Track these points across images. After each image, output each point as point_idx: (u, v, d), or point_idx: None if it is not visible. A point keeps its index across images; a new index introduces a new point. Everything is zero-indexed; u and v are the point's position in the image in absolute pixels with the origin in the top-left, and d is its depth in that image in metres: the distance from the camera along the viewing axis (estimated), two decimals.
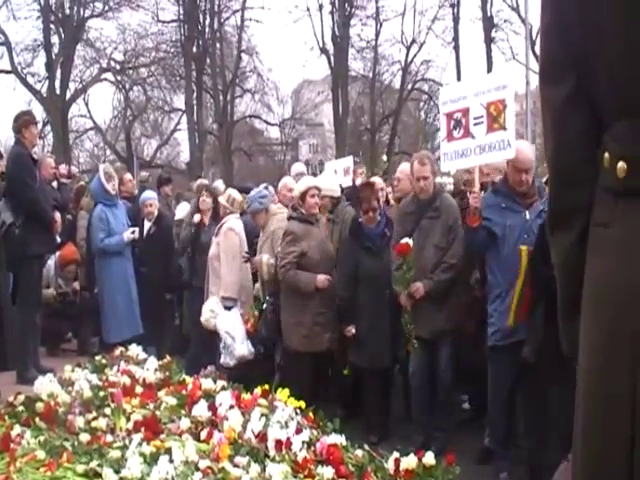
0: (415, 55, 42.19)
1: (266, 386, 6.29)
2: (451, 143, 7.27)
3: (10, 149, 9.45)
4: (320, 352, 8.19)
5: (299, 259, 8.12)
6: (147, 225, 11.10)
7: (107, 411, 5.58)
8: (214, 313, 8.96)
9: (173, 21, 41.69)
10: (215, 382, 6.42)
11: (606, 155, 1.83)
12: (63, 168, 12.07)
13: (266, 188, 11.49)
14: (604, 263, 1.83)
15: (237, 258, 9.26)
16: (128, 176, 13.30)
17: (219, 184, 12.78)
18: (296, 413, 5.65)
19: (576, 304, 1.93)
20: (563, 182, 2.01)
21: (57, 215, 9.27)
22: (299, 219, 8.37)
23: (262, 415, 5.25)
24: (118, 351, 7.78)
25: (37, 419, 5.43)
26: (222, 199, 9.84)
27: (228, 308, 8.98)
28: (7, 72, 40.13)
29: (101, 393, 6.01)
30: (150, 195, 11.43)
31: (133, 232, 10.43)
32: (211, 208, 10.34)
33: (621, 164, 1.77)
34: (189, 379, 6.64)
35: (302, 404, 6.05)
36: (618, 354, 1.75)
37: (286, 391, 6.17)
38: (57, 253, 10.54)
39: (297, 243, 8.18)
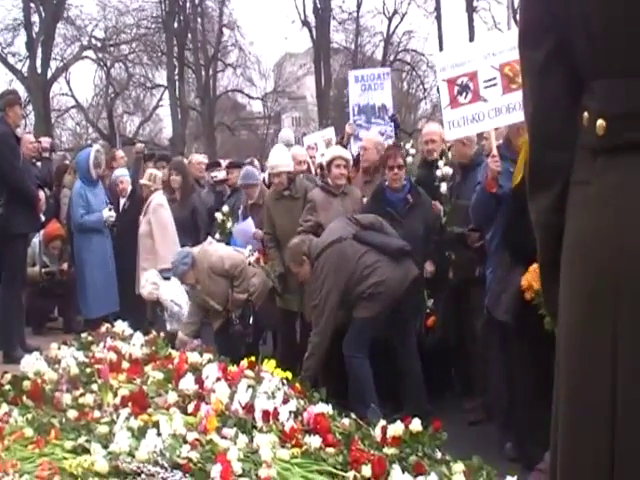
0: (397, 26, 42.11)
1: (252, 358, 6.32)
2: (458, 109, 7.12)
3: None
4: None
5: (315, 229, 7.91)
6: (122, 201, 11.05)
7: (94, 387, 5.61)
8: (156, 285, 9.23)
9: None
10: (201, 355, 6.45)
11: (585, 114, 1.84)
12: (45, 141, 11.96)
13: (251, 163, 11.57)
14: (584, 220, 1.85)
15: (170, 231, 9.76)
16: (120, 153, 13.26)
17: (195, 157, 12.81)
18: (283, 384, 5.68)
19: (557, 265, 1.94)
20: (543, 144, 2.02)
21: (41, 194, 9.19)
22: (322, 188, 8.26)
23: (249, 387, 5.28)
24: (104, 328, 7.79)
25: (24, 397, 5.45)
26: (144, 179, 10.23)
27: (167, 279, 9.25)
28: None
29: (88, 370, 6.04)
30: (122, 172, 11.33)
31: (110, 209, 10.42)
32: (180, 185, 10.35)
33: (600, 122, 1.78)
34: (175, 353, 6.66)
35: (289, 374, 6.09)
36: (600, 308, 1.76)
37: (272, 362, 6.20)
38: (41, 231, 10.50)
39: (315, 212, 8.05)
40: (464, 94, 7.05)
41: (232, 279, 8.50)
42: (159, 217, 9.81)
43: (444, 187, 8.03)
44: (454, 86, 7.11)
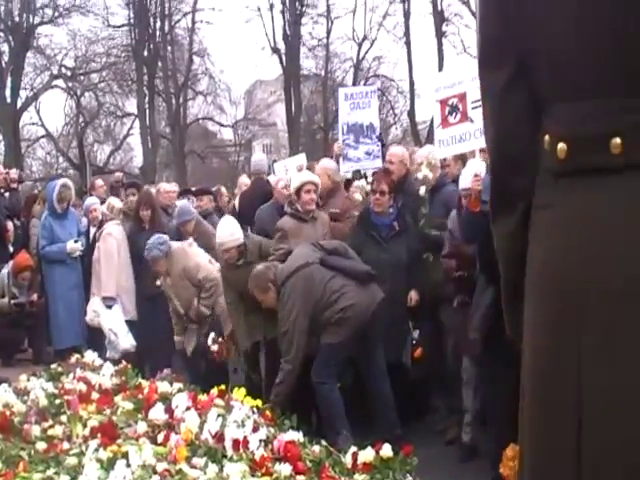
0: (367, 52, 42.23)
1: (222, 387, 6.31)
2: (447, 129, 7.29)
3: None
4: None
5: (286, 257, 7.78)
6: (92, 230, 11.03)
7: (63, 418, 5.57)
8: (97, 313, 9.57)
9: (123, 25, 41.30)
10: (171, 385, 6.43)
11: (546, 137, 1.84)
12: (14, 172, 11.97)
13: (218, 191, 11.62)
14: (545, 244, 1.85)
15: (115, 260, 9.88)
16: (99, 182, 13.31)
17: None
18: (253, 412, 5.67)
19: (518, 288, 1.95)
20: (504, 166, 2.02)
21: (9, 224, 9.15)
22: (292, 215, 8.18)
23: (219, 415, 5.25)
24: (74, 358, 7.75)
25: None
26: (103, 207, 10.53)
27: (109, 307, 9.59)
28: None
29: (57, 401, 6.00)
30: (93, 201, 11.39)
31: (76, 241, 10.40)
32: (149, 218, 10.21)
33: (561, 145, 1.79)
34: (145, 383, 6.64)
35: (259, 403, 6.08)
36: (563, 333, 1.78)
37: (242, 390, 6.19)
38: (10, 262, 10.45)
39: (285, 240, 7.99)
40: (454, 114, 7.23)
41: (201, 289, 8.53)
42: (106, 246, 9.98)
43: (422, 190, 8.11)
44: (446, 106, 7.29)
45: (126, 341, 9.51)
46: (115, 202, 10.73)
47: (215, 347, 8.22)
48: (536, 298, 1.89)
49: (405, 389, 7.60)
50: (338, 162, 10.20)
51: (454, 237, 7.15)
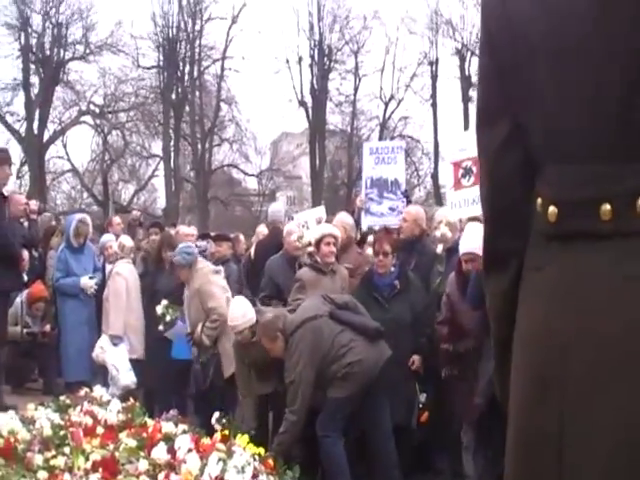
0: (393, 111, 42.51)
1: (226, 432, 6.34)
2: (459, 191, 7.29)
3: None
4: None
5: None
6: (108, 267, 11.08)
7: (66, 450, 5.59)
8: (103, 349, 9.75)
9: (153, 67, 41.90)
10: (176, 426, 6.46)
11: (539, 200, 1.87)
12: (33, 204, 12.05)
13: (236, 238, 11.76)
14: (533, 306, 1.87)
15: (123, 299, 10.04)
16: (116, 219, 13.40)
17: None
18: (254, 459, 5.69)
19: (508, 348, 1.96)
20: (497, 225, 2.05)
21: (25, 253, 9.22)
22: (311, 267, 8.26)
23: (220, 460, 5.29)
24: (83, 392, 7.79)
25: None
26: (114, 245, 10.64)
27: (116, 345, 9.82)
28: None
29: (62, 432, 6.02)
30: (109, 238, 11.46)
31: (91, 278, 10.51)
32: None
33: (552, 208, 1.81)
34: (151, 422, 6.67)
35: (261, 450, 6.10)
36: (546, 397, 1.79)
37: (245, 437, 6.22)
38: (25, 290, 10.53)
39: (303, 291, 8.04)
40: (467, 177, 7.23)
41: (207, 317, 8.66)
42: (115, 285, 10.17)
43: (439, 248, 8.14)
44: (459, 169, 7.29)
45: (127, 377, 9.69)
46: (126, 241, 10.93)
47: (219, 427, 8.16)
48: (520, 360, 1.90)
49: (410, 450, 7.59)
50: (360, 216, 10.24)
51: (451, 302, 7.19)
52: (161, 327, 9.85)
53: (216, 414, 7.94)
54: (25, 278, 9.90)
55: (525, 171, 1.94)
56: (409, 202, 10.74)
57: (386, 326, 7.45)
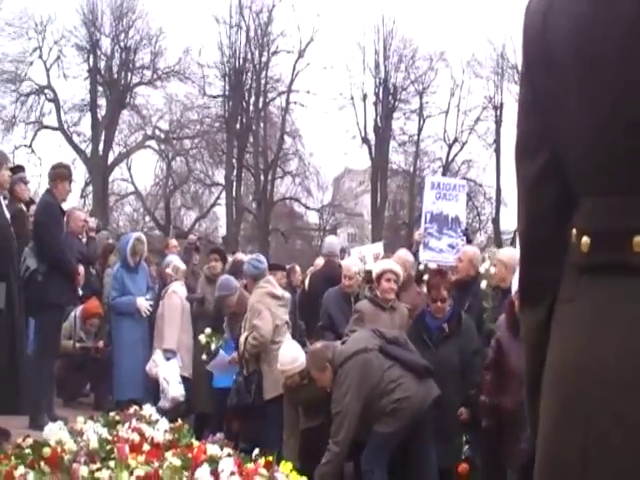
0: (456, 154, 42.61)
1: (270, 457, 6.33)
2: None
3: (40, 197, 9.59)
4: None
5: None
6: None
7: (111, 464, 5.64)
8: (156, 363, 10.06)
9: (219, 96, 42.49)
10: (222, 449, 6.47)
11: (574, 231, 1.85)
12: (92, 221, 12.24)
13: (292, 269, 11.89)
14: (563, 339, 1.85)
15: (178, 316, 10.38)
16: (173, 241, 13.58)
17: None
18: None
19: (540, 382, 1.94)
20: (532, 257, 2.03)
21: (80, 268, 9.33)
22: (371, 300, 8.27)
23: None
24: (132, 409, 7.84)
25: (42, 463, 5.50)
26: (168, 269, 11.02)
27: (168, 359, 10.09)
28: (54, 129, 41.26)
29: (108, 447, 6.07)
30: (171, 259, 11.65)
31: (147, 299, 10.69)
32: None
33: (585, 239, 1.79)
34: (196, 443, 6.69)
35: (305, 479, 6.09)
36: (571, 431, 1.77)
37: (289, 464, 6.21)
38: (81, 306, 10.66)
39: (361, 323, 8.03)
40: None
41: (251, 332, 8.72)
42: (171, 302, 10.48)
43: (483, 284, 8.08)
44: None
45: (176, 390, 9.92)
46: (179, 264, 11.22)
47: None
48: (550, 392, 1.88)
49: None
50: (418, 250, 10.20)
51: (499, 344, 6.93)
52: (204, 357, 10.10)
53: None
54: (80, 293, 10.00)
55: (562, 203, 1.93)
56: (469, 241, 10.66)
57: (433, 369, 7.40)
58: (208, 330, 10.19)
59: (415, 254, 9.98)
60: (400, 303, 8.42)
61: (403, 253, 9.49)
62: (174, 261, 11.32)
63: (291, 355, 8.00)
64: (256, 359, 8.89)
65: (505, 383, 6.70)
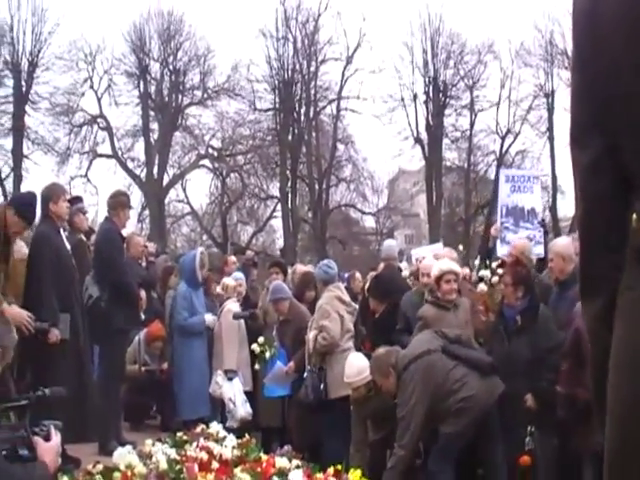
0: (510, 145, 42.17)
1: (339, 466, 6.30)
2: None
3: (100, 224, 9.69)
4: None
5: None
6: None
7: None
8: (219, 385, 10.18)
9: (269, 110, 42.68)
10: (290, 461, 6.45)
11: (634, 216, 1.81)
12: (152, 246, 12.34)
13: (352, 276, 11.95)
14: (624, 328, 1.81)
15: (235, 335, 10.46)
16: (232, 258, 13.57)
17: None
18: None
19: (605, 370, 1.90)
20: (591, 247, 1.98)
21: (142, 293, 9.37)
22: (433, 303, 8.20)
23: None
24: (199, 428, 7.85)
25: None
26: (218, 288, 11.32)
27: (230, 379, 10.18)
28: (108, 156, 41.88)
29: (177, 467, 6.08)
30: (238, 276, 11.69)
31: (213, 315, 10.72)
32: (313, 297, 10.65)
33: None
34: (265, 457, 6.67)
35: None
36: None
37: (358, 472, 6.17)
38: (144, 329, 10.72)
39: (427, 328, 7.91)
40: None
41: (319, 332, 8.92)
42: (226, 322, 10.52)
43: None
44: None
45: (243, 410, 10.02)
46: (229, 282, 11.28)
47: None
48: (615, 380, 1.85)
49: None
50: (495, 245, 10.07)
51: (578, 335, 6.52)
52: (257, 366, 10.27)
53: None
54: (142, 317, 10.05)
55: (619, 189, 1.88)
56: (546, 232, 10.52)
57: (503, 363, 7.32)
58: (261, 339, 10.27)
59: (492, 249, 9.84)
60: (461, 298, 8.33)
61: (448, 252, 9.46)
62: (224, 280, 11.47)
63: (357, 367, 8.00)
64: (322, 357, 9.11)
65: (582, 373, 6.55)
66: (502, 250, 9.87)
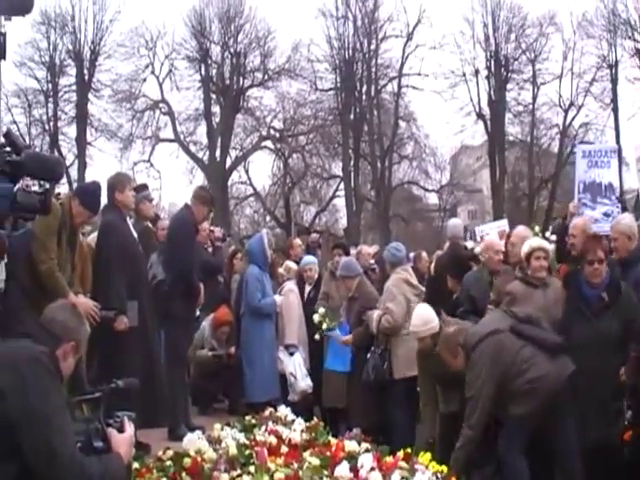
0: (573, 118, 41.60)
1: (409, 449, 6.30)
2: None
3: (178, 211, 9.73)
4: None
5: None
6: (307, 289, 11.42)
7: (251, 469, 5.68)
8: (281, 360, 10.41)
9: (330, 89, 42.75)
10: (359, 444, 6.46)
11: None
12: (218, 231, 12.35)
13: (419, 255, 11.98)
14: None
15: (296, 312, 10.73)
16: (297, 241, 13.53)
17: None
18: (437, 477, 5.63)
19: None
20: None
21: (201, 287, 9.36)
22: (522, 280, 8.03)
23: (402, 478, 5.27)
24: (267, 412, 7.89)
25: (184, 474, 5.59)
26: (281, 269, 11.49)
27: (291, 353, 10.41)
28: (171, 141, 42.34)
29: (247, 451, 6.12)
30: (310, 260, 11.76)
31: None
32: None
33: None
34: (334, 440, 6.69)
35: (444, 468, 6.02)
36: None
37: (428, 455, 6.16)
38: (211, 315, 10.79)
39: (514, 304, 7.74)
40: None
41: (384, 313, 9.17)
42: (288, 300, 10.73)
43: None
44: None
45: (304, 383, 10.22)
46: (292, 265, 11.66)
47: None
48: None
49: (619, 471, 7.08)
50: (572, 222, 9.93)
51: None
52: (317, 336, 10.36)
53: None
54: (198, 313, 10.09)
55: None
56: (624, 209, 10.34)
57: (592, 341, 7.17)
58: (322, 310, 10.32)
59: (568, 226, 9.69)
60: (553, 278, 8.17)
61: (522, 230, 9.21)
62: (286, 263, 11.73)
63: (424, 317, 7.95)
64: (387, 338, 9.28)
65: None
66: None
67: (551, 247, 8.93)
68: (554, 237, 8.97)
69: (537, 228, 10.65)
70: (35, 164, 4.15)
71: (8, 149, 4.10)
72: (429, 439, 8.13)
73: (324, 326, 10.16)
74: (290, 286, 10.98)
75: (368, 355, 9.36)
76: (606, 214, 9.71)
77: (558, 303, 7.78)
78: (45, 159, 4.49)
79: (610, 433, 7.14)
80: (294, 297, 10.85)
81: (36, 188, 4.14)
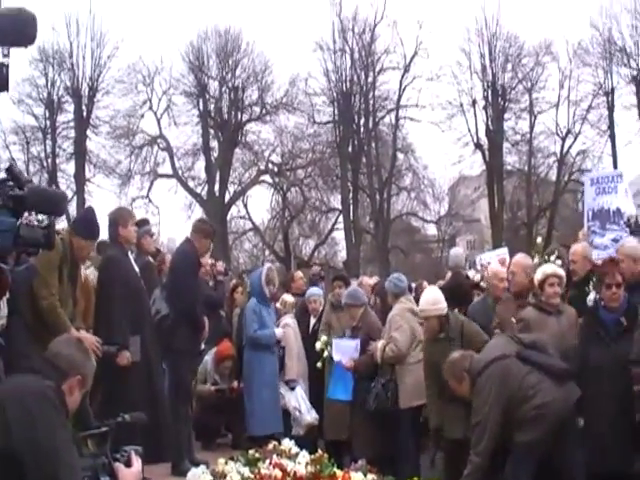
0: (570, 146, 41.71)
1: (415, 479, 6.28)
2: None
3: (180, 245, 9.67)
4: None
5: None
6: (312, 321, 11.35)
7: None
8: (282, 395, 10.31)
9: (328, 122, 42.77)
10: (365, 475, 6.43)
11: None
12: (220, 265, 12.38)
13: (420, 287, 11.93)
14: None
15: (294, 347, 10.68)
16: (299, 274, 13.54)
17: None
18: None
19: None
20: None
21: (205, 321, 9.35)
22: (535, 306, 8.03)
23: None
24: (271, 445, 7.86)
25: None
26: (278, 304, 11.34)
27: (292, 388, 10.37)
28: (169, 176, 42.38)
29: None
30: (315, 291, 11.73)
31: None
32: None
33: None
34: (339, 472, 6.66)
35: None
36: None
37: None
38: (214, 349, 10.77)
39: (528, 331, 7.73)
40: None
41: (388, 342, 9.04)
42: (284, 335, 10.63)
43: (591, 296, 7.84)
44: None
45: (309, 416, 10.20)
46: (288, 299, 11.47)
47: None
48: None
49: None
50: None
51: None
52: (319, 364, 10.30)
53: None
54: (203, 347, 10.06)
55: None
56: (633, 232, 10.31)
57: (609, 366, 7.12)
58: (324, 337, 10.31)
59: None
60: (566, 305, 8.17)
61: (522, 258, 9.21)
62: (283, 296, 11.60)
63: (433, 297, 8.18)
64: (391, 368, 9.24)
65: None
66: (593, 254, 9.71)
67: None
68: (559, 262, 8.91)
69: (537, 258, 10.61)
70: (38, 198, 4.16)
71: (11, 183, 4.10)
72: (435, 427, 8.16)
73: (325, 354, 10.14)
74: (287, 320, 10.94)
75: (372, 384, 9.29)
76: (615, 240, 9.70)
77: (572, 329, 7.79)
78: (49, 193, 4.50)
79: (629, 459, 7.08)
80: (291, 331, 10.79)
81: (38, 222, 4.14)
